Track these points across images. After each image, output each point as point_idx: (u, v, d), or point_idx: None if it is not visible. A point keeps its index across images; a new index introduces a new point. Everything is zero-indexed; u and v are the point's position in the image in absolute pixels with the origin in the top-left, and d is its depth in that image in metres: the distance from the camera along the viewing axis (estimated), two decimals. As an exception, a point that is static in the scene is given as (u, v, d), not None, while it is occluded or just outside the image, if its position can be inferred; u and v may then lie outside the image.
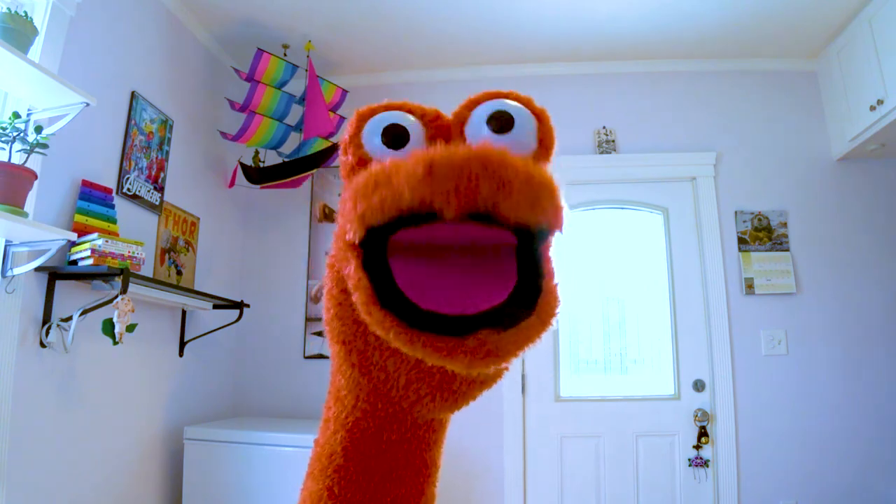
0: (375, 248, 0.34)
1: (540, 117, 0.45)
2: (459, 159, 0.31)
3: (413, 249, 0.35)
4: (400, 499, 0.46)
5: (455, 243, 0.34)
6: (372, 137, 0.44)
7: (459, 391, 0.43)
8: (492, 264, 0.35)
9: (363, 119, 0.45)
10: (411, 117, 0.45)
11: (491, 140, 0.42)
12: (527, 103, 0.45)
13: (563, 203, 0.34)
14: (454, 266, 0.35)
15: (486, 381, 0.44)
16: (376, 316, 0.34)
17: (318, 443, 0.49)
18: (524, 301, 0.34)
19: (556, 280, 0.36)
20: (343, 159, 0.45)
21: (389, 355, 0.42)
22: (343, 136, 0.46)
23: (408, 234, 0.33)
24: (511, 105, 0.44)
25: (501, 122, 0.43)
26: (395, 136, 0.43)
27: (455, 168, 0.31)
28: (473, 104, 0.45)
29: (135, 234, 2.05)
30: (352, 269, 0.36)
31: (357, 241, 0.35)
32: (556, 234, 0.36)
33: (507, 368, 0.43)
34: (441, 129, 0.45)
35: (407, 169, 0.31)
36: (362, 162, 0.44)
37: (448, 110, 0.47)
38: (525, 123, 0.43)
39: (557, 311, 0.36)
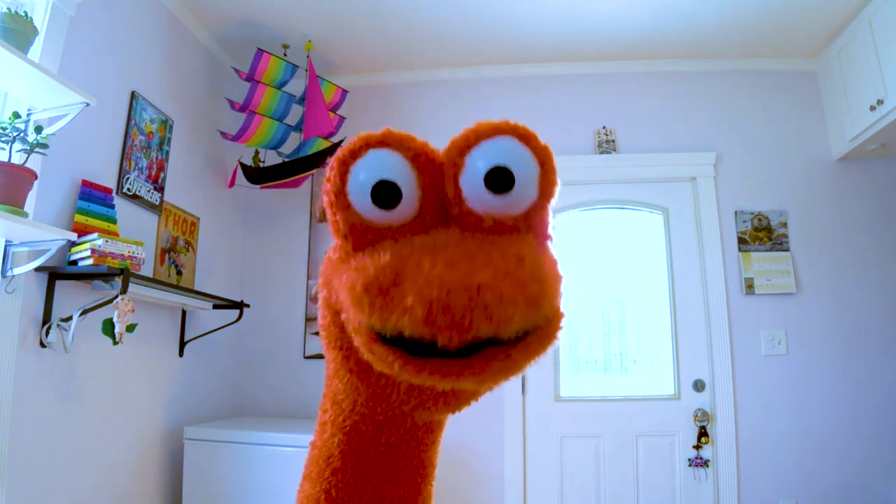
0: None
1: (542, 160, 0.39)
2: (456, 300, 0.31)
3: None
4: (398, 500, 0.46)
5: None
6: (361, 197, 0.38)
7: (463, 395, 0.43)
8: None
9: (345, 165, 0.39)
10: (399, 157, 0.39)
11: (489, 203, 0.38)
12: (528, 141, 0.39)
13: (562, 298, 0.35)
14: None
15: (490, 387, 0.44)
16: (379, 353, 0.34)
17: (314, 445, 0.48)
18: None
19: (562, 289, 0.36)
20: (331, 218, 0.40)
21: None
22: (325, 186, 0.41)
23: None
24: (510, 153, 0.38)
25: (500, 183, 0.38)
26: (387, 198, 0.38)
27: (452, 312, 0.31)
28: (466, 149, 0.39)
29: (135, 234, 2.05)
30: (350, 314, 0.36)
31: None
32: (553, 239, 0.36)
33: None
34: (433, 175, 0.40)
35: (405, 304, 0.32)
36: (354, 229, 0.39)
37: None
38: (526, 178, 0.38)
39: (563, 322, 0.36)
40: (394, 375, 0.36)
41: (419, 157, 0.39)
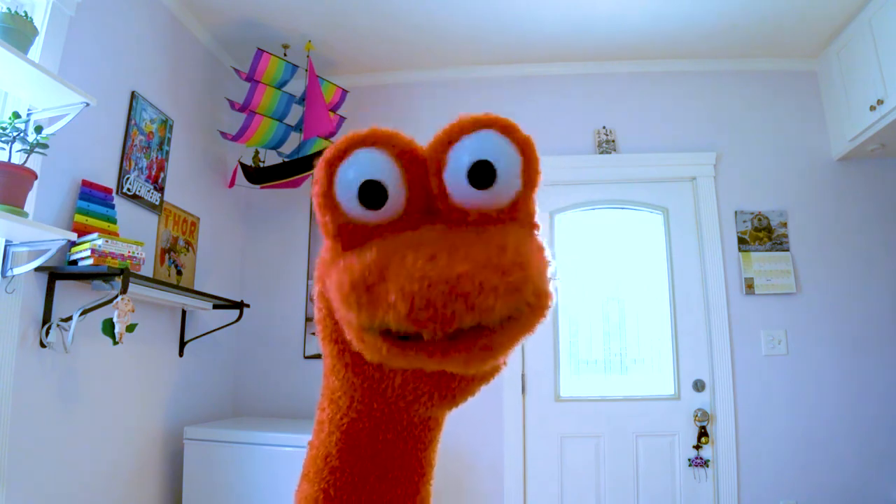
0: None
1: (525, 151, 0.39)
2: (436, 293, 0.31)
3: None
4: (396, 500, 0.46)
5: None
6: (348, 197, 0.39)
7: (459, 388, 0.43)
8: None
9: (331, 166, 0.39)
10: (384, 156, 0.39)
11: (473, 197, 0.38)
12: (509, 133, 0.39)
13: (552, 283, 0.35)
14: None
15: (485, 377, 0.44)
16: (369, 342, 0.35)
17: (312, 445, 0.49)
18: None
19: (549, 273, 0.36)
20: (321, 220, 0.40)
21: None
22: (314, 188, 0.41)
23: None
24: (491, 147, 0.38)
25: (483, 177, 0.38)
26: (373, 198, 0.39)
27: (433, 305, 0.32)
28: (448, 144, 0.39)
29: (135, 234, 2.05)
30: (340, 313, 0.36)
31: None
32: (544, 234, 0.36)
33: (504, 364, 0.43)
34: (418, 172, 0.40)
35: (388, 300, 0.32)
36: (343, 229, 0.39)
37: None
38: (508, 171, 0.38)
39: (551, 303, 0.36)
40: (384, 361, 0.37)
41: (404, 155, 0.39)
